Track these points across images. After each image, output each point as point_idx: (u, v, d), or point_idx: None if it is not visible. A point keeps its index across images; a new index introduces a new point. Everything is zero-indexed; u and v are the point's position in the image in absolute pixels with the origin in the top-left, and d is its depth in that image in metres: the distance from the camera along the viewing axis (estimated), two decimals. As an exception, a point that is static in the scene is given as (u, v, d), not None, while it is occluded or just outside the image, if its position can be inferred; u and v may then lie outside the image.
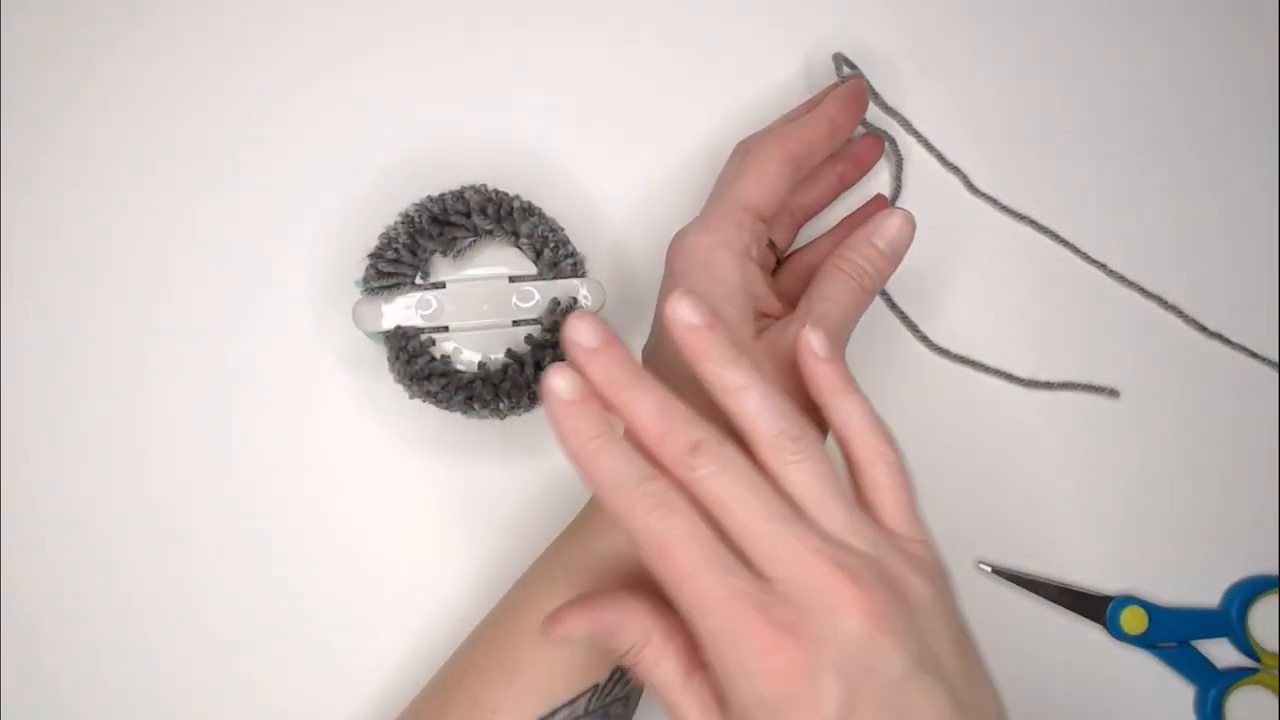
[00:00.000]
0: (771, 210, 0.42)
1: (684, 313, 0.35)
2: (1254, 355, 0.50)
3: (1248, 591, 0.47)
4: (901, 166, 0.49)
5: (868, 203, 0.49)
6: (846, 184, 0.49)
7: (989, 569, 0.48)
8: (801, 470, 0.34)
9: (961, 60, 0.51)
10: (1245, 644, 0.47)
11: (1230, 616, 0.47)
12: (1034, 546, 0.48)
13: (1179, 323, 0.50)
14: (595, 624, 0.35)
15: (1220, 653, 0.48)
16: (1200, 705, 0.47)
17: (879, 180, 0.50)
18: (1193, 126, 0.51)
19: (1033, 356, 0.49)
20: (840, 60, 0.48)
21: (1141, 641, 0.47)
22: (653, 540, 0.33)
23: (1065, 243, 0.50)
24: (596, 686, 0.39)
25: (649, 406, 0.34)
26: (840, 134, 0.45)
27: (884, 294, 0.49)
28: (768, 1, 0.51)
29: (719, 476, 0.33)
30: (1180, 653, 0.47)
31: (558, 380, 0.35)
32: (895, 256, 0.41)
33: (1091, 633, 0.48)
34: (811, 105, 0.46)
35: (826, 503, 0.34)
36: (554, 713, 0.38)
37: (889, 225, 0.41)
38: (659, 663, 0.34)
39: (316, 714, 0.46)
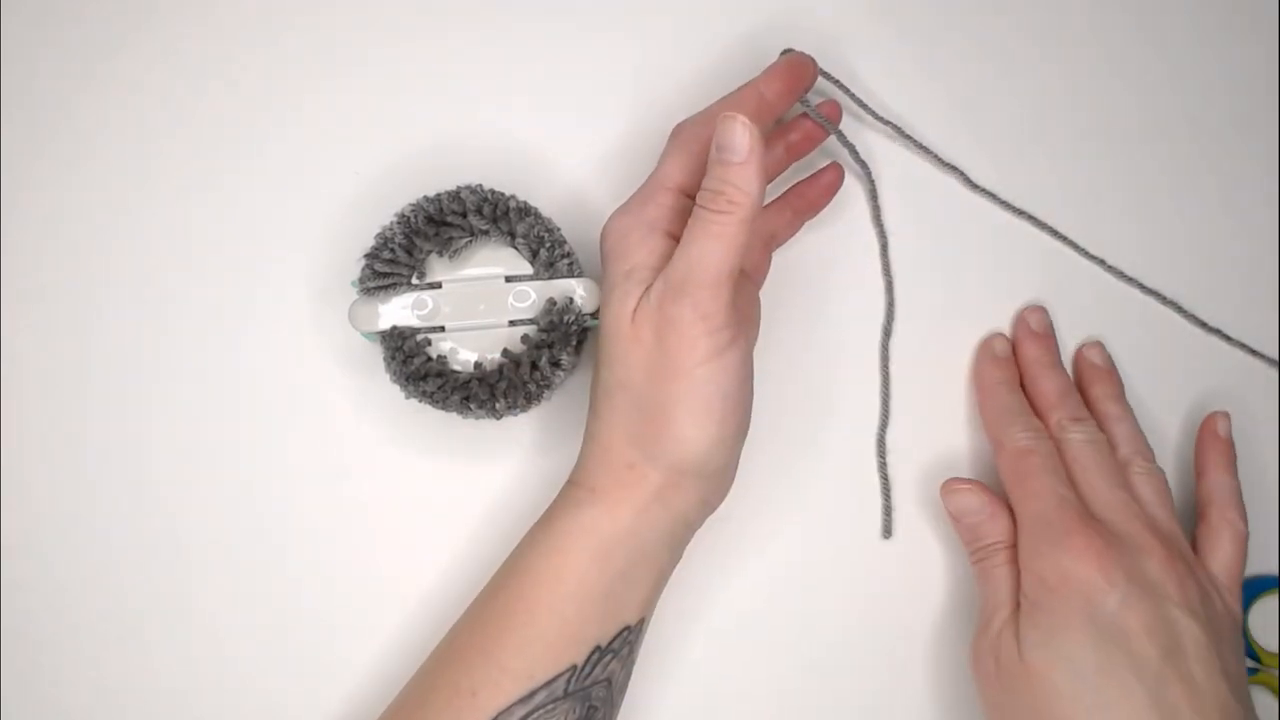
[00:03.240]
0: (697, 185, 0.41)
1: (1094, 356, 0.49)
2: (1253, 352, 0.50)
3: (1247, 592, 0.47)
4: (872, 178, 0.50)
5: (822, 169, 0.48)
6: (796, 155, 0.48)
7: None
8: (1144, 480, 0.45)
9: (958, 58, 0.51)
10: (1245, 644, 0.47)
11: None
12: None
13: (1178, 318, 0.50)
14: (988, 503, 0.45)
15: None
16: None
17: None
18: (1193, 122, 0.51)
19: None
20: (788, 54, 0.47)
21: None
22: (1020, 448, 0.45)
23: (1064, 238, 0.50)
24: (574, 667, 0.39)
25: (1056, 385, 0.47)
26: (771, 108, 0.44)
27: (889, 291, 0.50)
28: (764, 5, 0.51)
29: (1087, 444, 0.45)
30: None
31: (996, 341, 0.49)
32: (750, 158, 0.38)
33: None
34: None
35: (1156, 508, 0.44)
36: (532, 694, 0.39)
37: (724, 133, 0.38)
38: (1010, 561, 0.44)
39: (315, 712, 0.46)
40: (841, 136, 0.48)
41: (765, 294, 0.47)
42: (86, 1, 0.50)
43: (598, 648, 0.40)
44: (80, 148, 0.49)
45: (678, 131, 0.44)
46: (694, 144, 0.42)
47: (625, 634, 0.40)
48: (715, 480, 0.42)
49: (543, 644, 0.39)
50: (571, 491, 0.42)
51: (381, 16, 0.50)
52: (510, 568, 0.41)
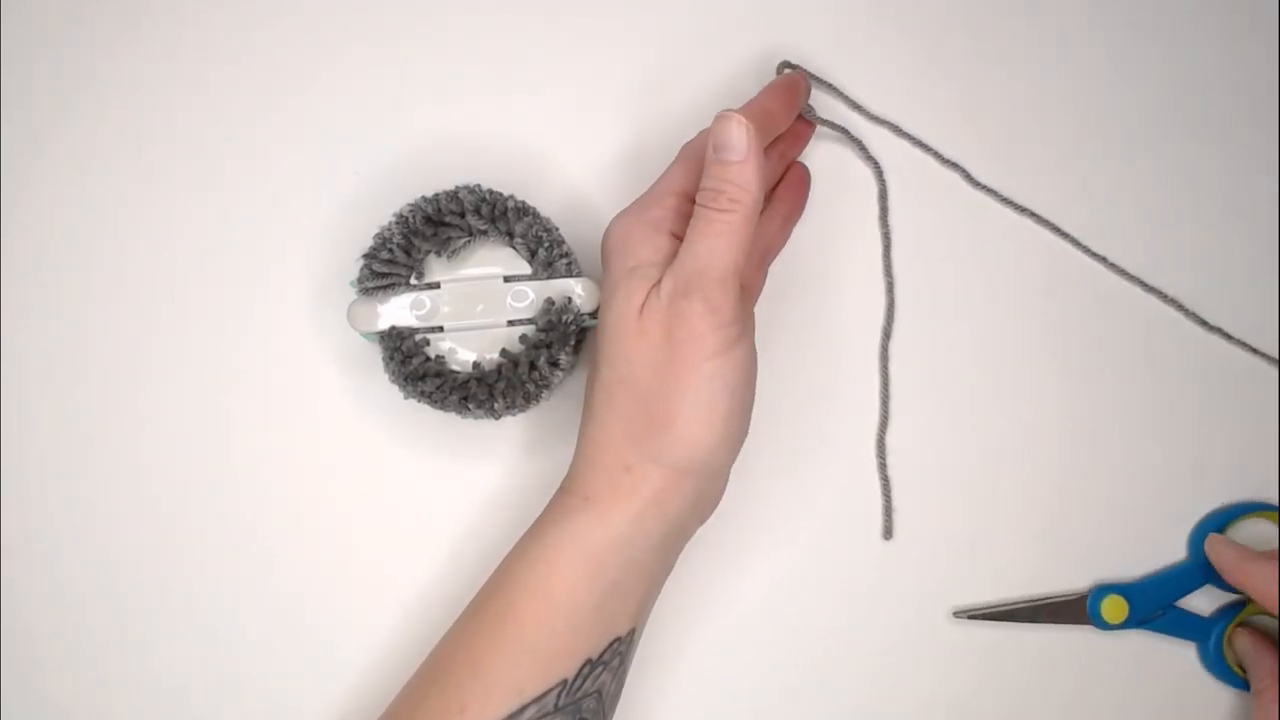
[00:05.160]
0: None
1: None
2: (1254, 351, 0.49)
3: (1213, 528, 0.47)
4: (885, 183, 0.50)
5: (789, 168, 0.49)
6: (788, 160, 0.49)
7: (966, 616, 0.47)
8: None
9: (959, 59, 0.51)
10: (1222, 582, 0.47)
11: (1201, 559, 0.47)
12: (1002, 570, 0.48)
13: (1178, 316, 0.49)
14: None
15: (1204, 603, 0.48)
16: (1204, 657, 0.47)
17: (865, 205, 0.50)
18: (1195, 120, 0.51)
19: (1032, 348, 0.49)
20: (784, 67, 0.49)
21: (1128, 625, 0.47)
22: None
23: (1065, 235, 0.50)
24: (565, 682, 0.39)
25: None
26: (776, 122, 0.45)
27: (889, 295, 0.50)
28: (762, 5, 0.51)
29: None
30: (1168, 618, 0.47)
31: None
32: (749, 156, 0.39)
33: (1080, 634, 0.48)
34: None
35: None
36: (522, 709, 0.38)
37: (720, 132, 0.39)
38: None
39: (315, 711, 0.46)
40: (850, 135, 0.49)
41: (765, 295, 0.47)
42: (86, 2, 0.50)
43: (589, 660, 0.39)
44: (80, 148, 0.49)
45: (684, 148, 0.44)
46: (695, 155, 0.43)
47: (616, 645, 0.40)
48: (712, 483, 0.41)
49: (532, 658, 0.38)
50: (563, 499, 0.41)
51: (382, 16, 0.50)
52: (499, 579, 0.41)
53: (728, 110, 0.39)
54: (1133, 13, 0.51)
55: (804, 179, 0.49)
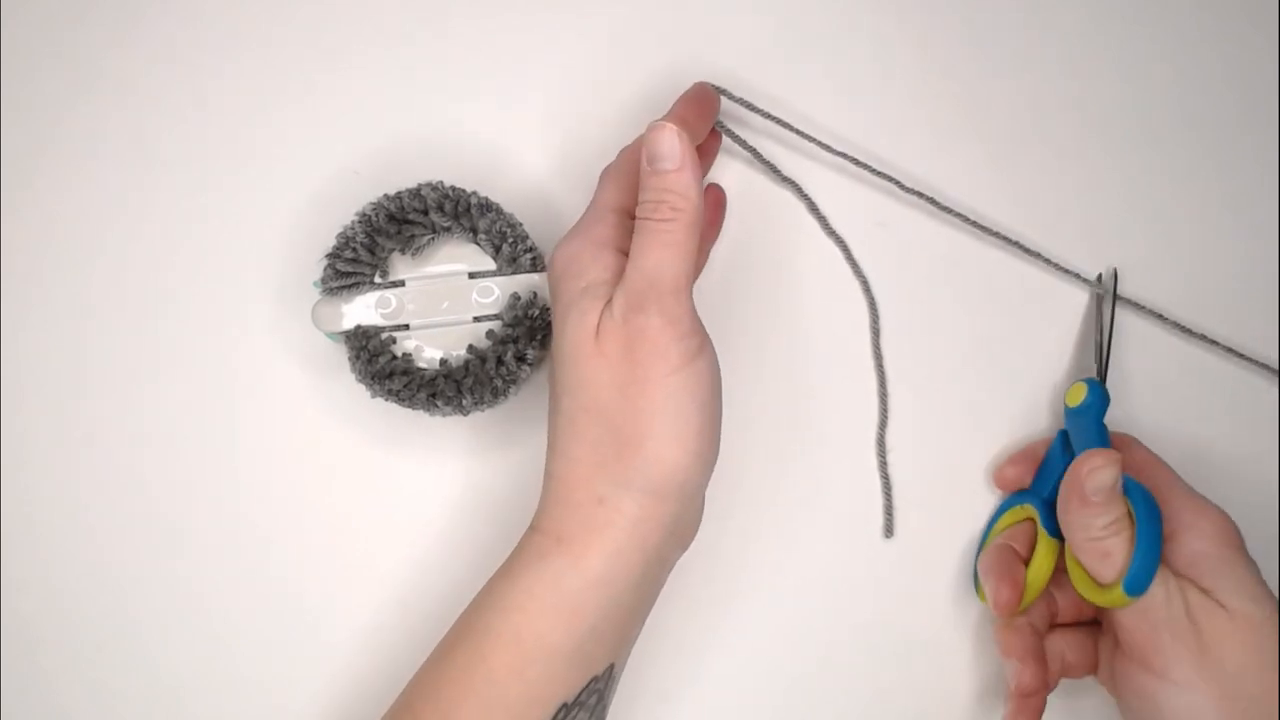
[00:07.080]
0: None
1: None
2: (1255, 363, 0.48)
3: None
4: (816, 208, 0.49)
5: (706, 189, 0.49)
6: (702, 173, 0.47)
7: None
8: None
9: (945, 70, 0.50)
10: None
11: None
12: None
13: (1176, 316, 0.49)
14: None
15: None
16: None
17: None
18: (1191, 126, 0.50)
19: (1028, 362, 0.49)
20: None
21: (1091, 405, 0.45)
22: None
23: (1038, 255, 0.49)
24: None
25: None
26: (693, 132, 0.43)
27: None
28: (723, 5, 0.50)
29: None
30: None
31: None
32: (684, 163, 0.38)
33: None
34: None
35: None
36: None
37: (654, 142, 0.39)
38: None
39: (310, 711, 0.46)
40: (759, 157, 0.48)
41: (752, 304, 0.47)
42: (86, 2, 0.50)
43: (564, 705, 0.38)
44: (78, 149, 0.49)
45: (605, 171, 0.43)
46: (625, 171, 0.42)
47: (593, 684, 0.38)
48: (689, 507, 0.40)
49: (503, 708, 0.37)
50: (535, 540, 0.39)
51: (343, 19, 0.50)
52: (469, 624, 0.39)
53: (658, 121, 0.39)
54: (1127, 18, 0.51)
55: (720, 201, 0.49)
